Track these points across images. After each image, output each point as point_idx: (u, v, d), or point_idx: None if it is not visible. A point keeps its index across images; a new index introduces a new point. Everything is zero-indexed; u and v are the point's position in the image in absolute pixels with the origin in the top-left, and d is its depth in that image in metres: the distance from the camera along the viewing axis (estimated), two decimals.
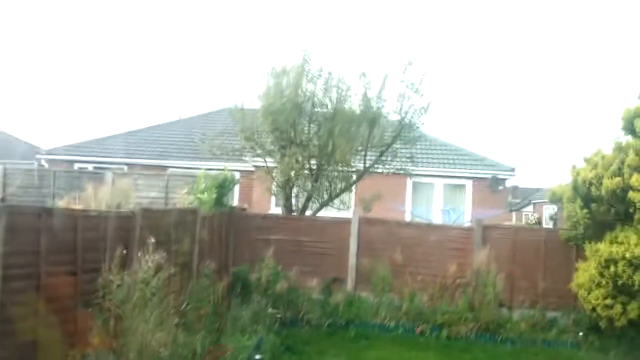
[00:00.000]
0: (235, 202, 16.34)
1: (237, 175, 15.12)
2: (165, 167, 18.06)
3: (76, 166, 18.56)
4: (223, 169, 12.34)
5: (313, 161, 12.99)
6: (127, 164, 18.60)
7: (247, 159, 14.85)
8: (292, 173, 12.79)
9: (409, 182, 18.56)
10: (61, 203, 9.48)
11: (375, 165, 13.65)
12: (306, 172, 12.99)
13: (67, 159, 19.14)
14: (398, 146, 13.73)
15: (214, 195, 11.62)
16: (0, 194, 12.96)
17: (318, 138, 12.90)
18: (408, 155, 14.43)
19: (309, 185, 13.30)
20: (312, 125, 13.04)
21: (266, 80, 12.68)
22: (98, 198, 9.72)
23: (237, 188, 16.04)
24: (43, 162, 19.24)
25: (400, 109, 13.04)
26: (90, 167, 18.25)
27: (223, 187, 12.07)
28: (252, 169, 16.81)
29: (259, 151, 13.62)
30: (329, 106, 12.78)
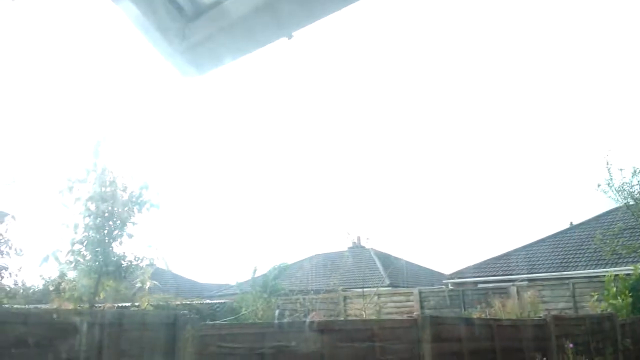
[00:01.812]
0: None
1: None
2: (566, 278, 17.19)
3: (479, 285, 19.50)
4: (634, 270, 11.04)
5: None
6: (528, 279, 18.52)
7: None
8: None
9: None
10: (473, 315, 10.08)
11: None
12: None
13: (470, 280, 20.38)
14: None
15: (629, 299, 10.41)
16: (418, 312, 14.69)
17: None
18: None
19: None
20: None
21: None
22: (506, 310, 9.95)
23: None
24: (450, 285, 20.97)
25: None
26: (492, 284, 18.90)
27: (638, 289, 10.73)
28: None
29: None
30: None
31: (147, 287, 6.93)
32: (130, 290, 8.54)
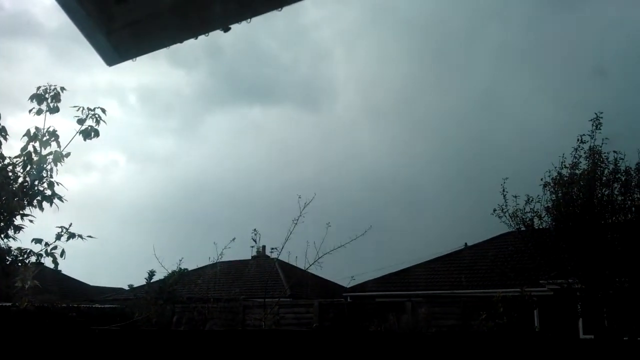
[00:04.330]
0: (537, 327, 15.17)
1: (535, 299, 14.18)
2: (458, 296, 18.09)
3: (377, 299, 20.03)
4: (520, 292, 11.84)
5: (624, 276, 11.45)
6: (423, 295, 19.28)
7: (543, 281, 13.91)
8: (600, 292, 11.47)
9: None
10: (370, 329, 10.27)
11: None
12: (617, 289, 11.47)
13: (369, 294, 20.91)
14: None
15: (514, 319, 11.14)
16: (316, 323, 14.80)
17: (625, 249, 11.45)
18: None
19: (622, 304, 11.62)
20: (615, 234, 11.73)
21: (553, 192, 12.10)
22: (400, 325, 10.23)
23: (536, 313, 14.97)
24: (349, 298, 21.35)
25: None
26: (389, 299, 19.49)
27: (521, 311, 11.51)
28: (550, 292, 15.58)
29: (556, 270, 12.69)
30: (632, 210, 11.42)
31: (27, 286, 6.32)
32: (12, 289, 7.82)
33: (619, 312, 11.63)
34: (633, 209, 11.40)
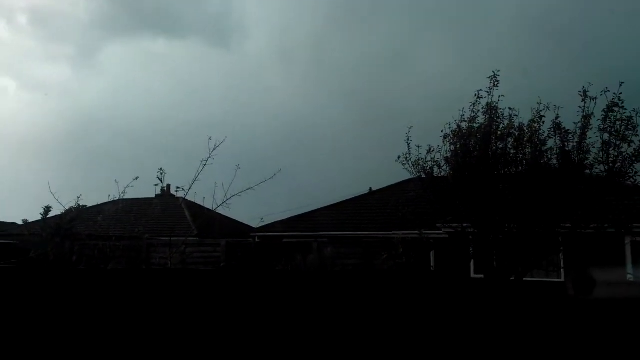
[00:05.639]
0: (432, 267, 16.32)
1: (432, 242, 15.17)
2: (362, 237, 18.89)
3: (284, 240, 20.49)
4: (419, 234, 12.56)
5: (513, 222, 12.45)
6: (329, 236, 19.91)
7: (439, 225, 14.81)
8: (490, 236, 12.42)
9: (628, 241, 16.61)
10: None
11: (584, 224, 12.54)
12: (506, 234, 12.48)
13: (277, 234, 21.34)
14: (613, 200, 12.43)
15: (412, 259, 11.87)
16: (223, 262, 14.94)
17: (515, 198, 12.39)
18: (623, 210, 12.94)
19: (510, 248, 12.69)
20: (506, 185, 12.63)
21: (453, 144, 12.70)
22: (306, 264, 10.58)
23: (432, 254, 16.06)
24: (257, 239, 21.66)
25: (607, 158, 11.90)
26: (296, 240, 19.99)
27: (419, 251, 12.27)
28: (446, 235, 16.69)
29: (451, 215, 13.53)
30: (523, 163, 12.32)
31: None
32: None
33: (507, 255, 12.68)
34: (524, 162, 12.24)
